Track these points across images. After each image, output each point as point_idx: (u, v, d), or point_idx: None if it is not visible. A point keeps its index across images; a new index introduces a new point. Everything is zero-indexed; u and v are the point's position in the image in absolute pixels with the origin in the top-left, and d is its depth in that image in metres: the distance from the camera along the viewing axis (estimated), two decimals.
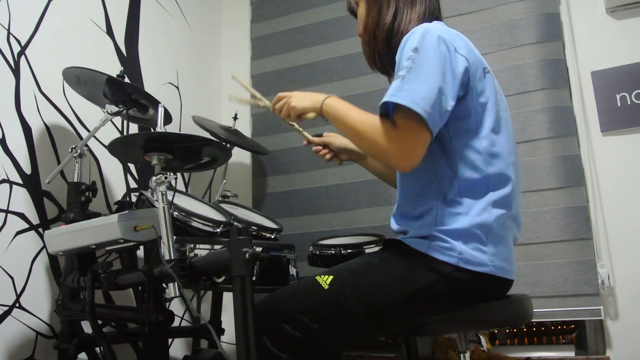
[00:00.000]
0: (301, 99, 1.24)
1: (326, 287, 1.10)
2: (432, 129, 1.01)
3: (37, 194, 1.56)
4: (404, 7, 1.19)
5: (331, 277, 1.12)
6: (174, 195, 1.21)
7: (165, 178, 1.14)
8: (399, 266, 1.10)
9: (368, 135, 1.06)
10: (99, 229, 1.18)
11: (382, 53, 1.22)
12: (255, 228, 1.61)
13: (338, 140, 1.50)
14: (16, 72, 1.54)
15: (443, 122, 1.05)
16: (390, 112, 1.06)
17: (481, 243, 1.07)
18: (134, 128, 1.97)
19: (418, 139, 1.03)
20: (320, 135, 1.53)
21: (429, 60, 1.04)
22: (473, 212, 1.08)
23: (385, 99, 1.03)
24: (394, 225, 1.21)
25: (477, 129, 1.10)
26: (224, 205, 1.69)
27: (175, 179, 2.06)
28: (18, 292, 1.46)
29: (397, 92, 1.02)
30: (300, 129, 1.49)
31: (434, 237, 1.08)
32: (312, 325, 1.09)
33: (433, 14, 1.22)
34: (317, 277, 1.13)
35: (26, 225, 1.51)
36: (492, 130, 1.10)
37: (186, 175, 2.31)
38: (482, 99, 1.10)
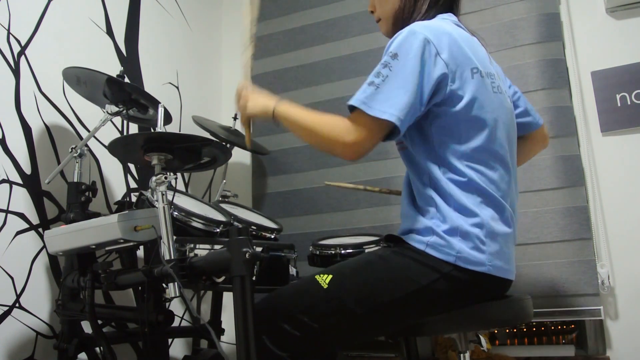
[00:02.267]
0: (255, 102, 1.24)
1: (325, 286, 1.10)
2: (401, 129, 1.06)
3: (37, 194, 1.56)
4: None
5: (330, 276, 1.12)
6: (174, 195, 1.21)
7: (165, 178, 1.14)
8: (397, 265, 1.10)
9: (326, 130, 1.10)
10: (99, 229, 1.18)
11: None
12: (255, 228, 1.61)
13: None
14: (16, 72, 1.54)
15: (412, 120, 1.08)
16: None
17: (480, 242, 1.07)
18: (134, 128, 1.97)
19: (378, 135, 1.08)
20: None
21: (408, 69, 1.06)
22: (473, 212, 1.08)
23: (355, 103, 1.07)
24: (402, 224, 1.21)
25: (460, 134, 1.10)
26: (224, 205, 1.69)
27: (175, 179, 2.07)
28: (18, 292, 1.46)
29: (369, 100, 1.06)
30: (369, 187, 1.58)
31: (432, 235, 1.08)
32: (311, 324, 1.09)
33: (448, 5, 1.25)
34: (317, 277, 1.13)
35: (26, 225, 1.51)
36: (481, 133, 1.11)
37: (186, 175, 2.31)
38: (465, 101, 1.10)
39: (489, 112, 1.13)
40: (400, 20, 1.23)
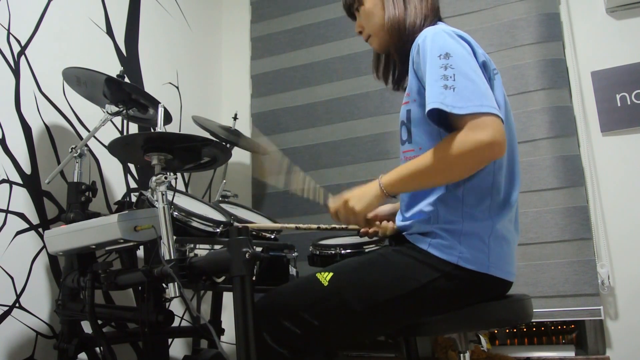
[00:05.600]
0: (358, 197, 1.17)
1: (326, 283, 1.11)
2: (499, 115, 1.00)
3: (37, 194, 1.56)
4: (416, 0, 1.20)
5: (331, 273, 1.12)
6: (174, 195, 1.21)
7: (165, 178, 1.14)
8: (399, 263, 1.10)
9: (452, 157, 1.00)
10: (99, 229, 1.18)
11: (394, 46, 1.22)
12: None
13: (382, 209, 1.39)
14: (16, 72, 1.54)
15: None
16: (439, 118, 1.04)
17: (482, 243, 1.07)
18: (134, 128, 1.97)
19: (493, 125, 0.98)
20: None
21: (464, 59, 1.03)
22: (476, 212, 1.08)
23: (448, 109, 0.99)
24: (398, 222, 1.21)
25: None
26: (224, 205, 1.69)
27: (175, 179, 2.06)
28: (18, 292, 1.46)
29: (457, 101, 0.99)
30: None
31: (435, 235, 1.08)
32: (312, 321, 1.09)
33: (438, 12, 1.23)
34: (318, 274, 1.13)
35: (26, 225, 1.51)
36: None
37: (186, 175, 2.31)
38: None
39: (509, 113, 1.13)
40: (397, 29, 1.20)
